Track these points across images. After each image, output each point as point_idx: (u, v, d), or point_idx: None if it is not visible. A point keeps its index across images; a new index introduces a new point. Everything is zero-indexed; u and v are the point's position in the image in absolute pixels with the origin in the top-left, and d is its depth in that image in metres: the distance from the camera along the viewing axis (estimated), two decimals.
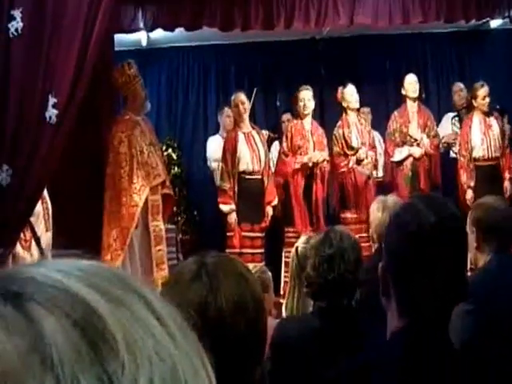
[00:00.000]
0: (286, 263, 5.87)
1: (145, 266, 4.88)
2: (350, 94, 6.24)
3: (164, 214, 5.16)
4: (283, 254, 6.00)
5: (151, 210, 4.90)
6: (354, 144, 6.20)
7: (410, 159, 6.29)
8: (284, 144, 6.16)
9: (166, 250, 5.05)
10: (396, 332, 1.30)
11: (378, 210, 3.41)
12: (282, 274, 5.93)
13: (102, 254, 4.71)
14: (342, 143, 6.24)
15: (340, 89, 6.31)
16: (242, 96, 5.98)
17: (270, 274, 3.52)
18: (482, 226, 2.51)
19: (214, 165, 6.71)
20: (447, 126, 6.94)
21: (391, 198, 3.55)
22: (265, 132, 6.75)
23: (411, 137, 6.30)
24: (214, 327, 1.01)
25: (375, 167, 6.33)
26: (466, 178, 6.24)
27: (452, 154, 6.76)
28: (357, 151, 6.17)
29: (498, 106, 6.59)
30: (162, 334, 0.41)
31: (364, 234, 6.01)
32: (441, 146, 6.73)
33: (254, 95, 6.41)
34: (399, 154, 6.29)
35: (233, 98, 6.02)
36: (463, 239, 1.33)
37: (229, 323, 1.03)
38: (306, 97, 6.12)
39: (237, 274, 1.09)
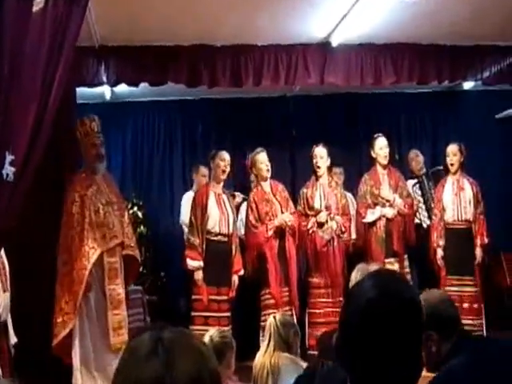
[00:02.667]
0: (264, 327, 5.89)
1: (102, 330, 4.84)
2: (316, 155, 6.36)
3: (129, 276, 5.16)
4: (261, 318, 6.00)
5: (108, 273, 4.87)
6: (316, 205, 6.29)
7: (383, 220, 6.40)
8: (251, 216, 6.15)
9: (125, 314, 4.99)
10: None
11: (357, 278, 3.45)
12: (260, 337, 5.93)
13: (54, 317, 4.70)
14: (304, 203, 6.35)
15: (313, 147, 6.43)
16: (226, 155, 6.08)
17: (232, 338, 3.61)
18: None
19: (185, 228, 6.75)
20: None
21: (373, 267, 3.61)
22: (238, 194, 6.87)
23: (383, 198, 6.43)
24: None
25: (343, 233, 6.33)
26: (435, 237, 6.45)
27: (416, 220, 6.92)
28: (317, 213, 6.26)
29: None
30: None
31: (329, 300, 6.08)
32: None
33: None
34: (371, 215, 6.41)
35: (218, 155, 6.08)
36: (406, 316, 1.38)
37: None
38: (265, 160, 6.19)
39: (193, 350, 1.12)
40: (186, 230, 6.67)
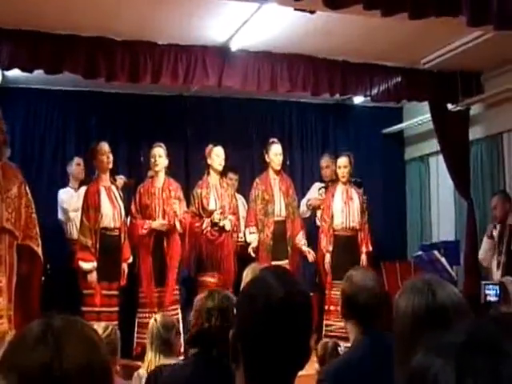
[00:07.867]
0: (140, 324, 5.92)
1: None
2: (215, 155, 6.49)
3: (33, 274, 5.00)
4: (137, 315, 6.07)
5: None
6: (212, 206, 6.40)
7: (271, 227, 6.59)
8: (132, 206, 6.31)
9: (5, 303, 4.77)
10: None
11: (248, 277, 3.59)
12: (135, 335, 5.98)
13: None
14: (198, 203, 6.45)
15: (210, 146, 6.55)
16: (106, 146, 6.11)
17: (119, 334, 3.62)
18: (347, 301, 2.67)
19: (72, 215, 6.63)
20: (314, 195, 7.44)
21: (264, 266, 3.76)
22: (119, 178, 6.75)
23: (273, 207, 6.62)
24: None
25: (234, 232, 6.52)
26: (325, 243, 6.77)
27: (318, 222, 7.20)
28: (211, 214, 6.38)
29: (358, 180, 7.11)
30: None
31: None
32: (306, 208, 7.21)
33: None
34: (249, 236, 6.57)
35: (98, 148, 6.09)
36: (309, 314, 1.50)
37: None
38: (158, 153, 6.32)
39: (84, 337, 1.12)
40: (66, 226, 6.65)
